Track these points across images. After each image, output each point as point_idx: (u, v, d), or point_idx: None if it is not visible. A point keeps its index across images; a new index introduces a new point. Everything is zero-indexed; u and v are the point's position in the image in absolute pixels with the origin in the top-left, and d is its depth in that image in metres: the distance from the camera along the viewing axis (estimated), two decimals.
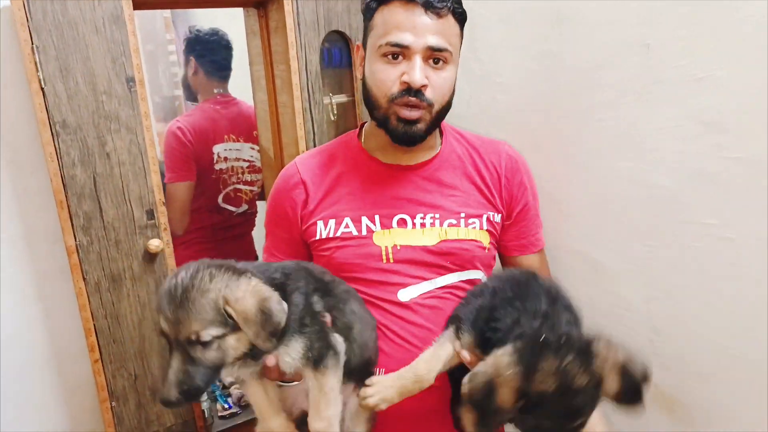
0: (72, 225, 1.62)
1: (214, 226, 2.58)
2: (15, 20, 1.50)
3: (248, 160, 2.63)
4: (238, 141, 2.59)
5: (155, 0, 1.76)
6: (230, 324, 0.91)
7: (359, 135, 1.38)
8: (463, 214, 1.28)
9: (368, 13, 1.24)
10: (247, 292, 0.93)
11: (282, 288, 1.00)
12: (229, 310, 0.91)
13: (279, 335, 0.95)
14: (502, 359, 0.87)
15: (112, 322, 1.71)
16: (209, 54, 2.62)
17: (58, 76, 1.57)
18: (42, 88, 1.55)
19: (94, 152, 1.63)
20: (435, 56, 1.19)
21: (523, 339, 0.90)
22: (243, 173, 2.62)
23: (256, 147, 2.61)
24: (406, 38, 1.16)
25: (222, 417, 2.04)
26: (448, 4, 1.18)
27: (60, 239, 1.65)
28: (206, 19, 3.51)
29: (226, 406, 2.07)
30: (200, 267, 0.94)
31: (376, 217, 1.25)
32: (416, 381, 1.06)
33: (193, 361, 0.90)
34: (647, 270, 1.33)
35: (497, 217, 1.34)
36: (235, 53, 2.69)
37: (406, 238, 1.24)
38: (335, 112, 2.05)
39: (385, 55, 1.19)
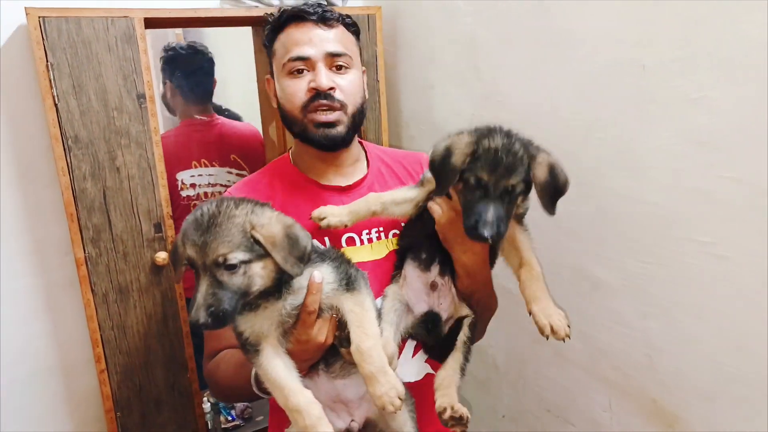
0: (81, 237, 1.66)
1: None
2: (31, 38, 1.56)
3: (225, 186, 2.45)
4: (212, 166, 2.45)
5: (166, 19, 1.80)
6: (256, 250, 0.92)
7: (290, 160, 1.40)
8: (403, 222, 1.30)
9: (269, 44, 1.33)
10: (272, 219, 0.95)
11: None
12: (256, 235, 0.92)
13: (305, 260, 0.96)
14: (460, 135, 1.07)
15: (119, 333, 1.74)
16: (187, 75, 2.47)
17: (71, 92, 1.62)
18: (55, 104, 1.60)
19: (105, 166, 1.68)
20: (336, 62, 1.26)
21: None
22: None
23: (234, 171, 2.49)
24: (305, 50, 1.24)
25: (225, 429, 2.06)
26: (336, 16, 1.29)
27: (70, 251, 1.69)
28: (215, 33, 3.58)
29: (230, 418, 2.08)
30: (224, 198, 0.97)
31: (326, 239, 1.27)
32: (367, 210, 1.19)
33: (220, 285, 0.90)
34: (644, 287, 1.34)
35: None
36: (240, 68, 2.57)
37: (357, 256, 1.25)
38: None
39: (290, 72, 1.26)
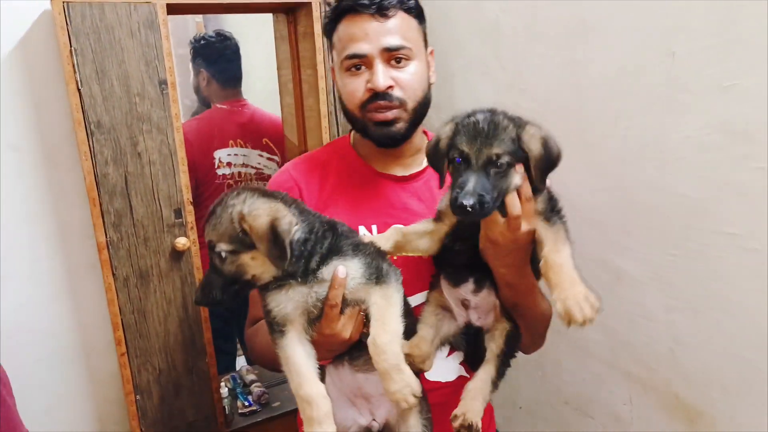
0: (103, 222, 1.68)
1: None
2: (55, 24, 1.57)
3: (256, 167, 2.58)
4: (245, 146, 2.57)
5: (188, 5, 1.81)
6: (244, 241, 0.94)
7: (351, 142, 1.39)
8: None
9: (328, 35, 1.29)
10: (262, 210, 0.95)
11: (330, 224, 1.04)
12: (244, 225, 0.93)
13: (286, 257, 0.94)
14: (446, 123, 1.05)
15: (139, 318, 1.76)
16: (220, 61, 2.59)
17: (95, 78, 1.62)
18: (79, 90, 1.61)
19: (126, 152, 1.69)
20: (395, 56, 1.21)
21: None
22: (251, 180, 2.59)
23: (265, 155, 2.59)
24: (361, 48, 1.20)
25: (242, 414, 2.07)
26: (394, 2, 1.20)
27: (91, 235, 1.71)
28: (236, 23, 3.58)
29: (246, 403, 2.09)
30: (241, 189, 0.99)
31: (373, 227, 1.25)
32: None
33: (215, 269, 0.96)
34: (670, 279, 1.32)
35: None
36: (262, 58, 2.68)
37: None
38: None
39: (348, 69, 1.23)
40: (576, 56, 1.48)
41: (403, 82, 1.22)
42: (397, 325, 0.99)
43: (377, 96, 1.20)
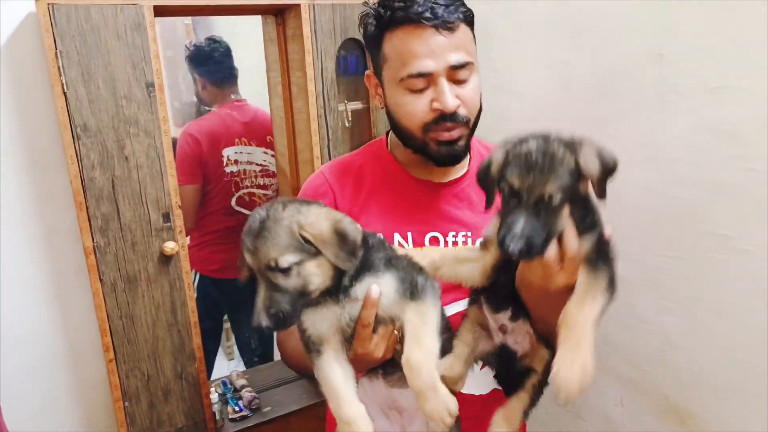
0: (90, 226, 1.65)
1: (230, 229, 2.62)
2: (40, 26, 1.54)
3: (261, 164, 2.66)
4: (250, 144, 2.63)
5: (176, 7, 1.79)
6: (308, 249, 0.91)
7: (387, 145, 1.32)
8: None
9: (374, 42, 1.18)
10: (319, 216, 0.93)
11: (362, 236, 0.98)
12: (305, 234, 0.90)
13: (357, 255, 0.93)
14: (501, 145, 0.97)
15: (127, 323, 1.74)
16: (213, 65, 2.67)
17: (80, 80, 1.60)
18: (64, 92, 1.59)
19: (113, 155, 1.67)
20: (459, 74, 1.12)
21: None
22: (256, 177, 2.65)
23: (270, 152, 2.64)
24: (427, 65, 1.09)
25: (232, 420, 2.05)
26: (458, 15, 1.11)
27: (78, 240, 1.69)
28: (225, 26, 3.56)
29: (237, 408, 2.07)
30: (274, 202, 0.96)
31: (409, 234, 1.20)
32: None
33: (277, 288, 0.90)
34: (661, 281, 1.32)
35: None
36: (251, 60, 2.72)
37: None
38: (350, 119, 2.07)
39: (409, 88, 1.13)
40: (565, 58, 1.48)
41: (467, 99, 1.14)
42: (433, 343, 0.94)
43: (443, 117, 1.12)
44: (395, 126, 1.22)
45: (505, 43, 1.67)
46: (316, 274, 0.92)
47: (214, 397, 2.04)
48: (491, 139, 1.56)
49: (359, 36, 2.00)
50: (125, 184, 1.69)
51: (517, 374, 1.08)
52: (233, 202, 2.61)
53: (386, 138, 1.32)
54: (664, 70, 1.23)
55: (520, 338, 1.08)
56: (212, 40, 2.72)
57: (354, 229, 0.94)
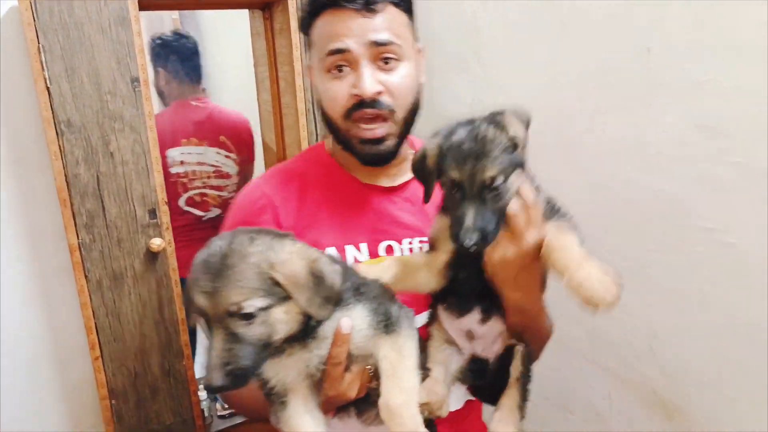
0: (75, 223, 1.64)
1: (179, 229, 2.39)
2: (22, 20, 1.52)
3: (214, 165, 2.52)
4: (201, 145, 2.51)
5: (161, 1, 1.77)
6: (276, 293, 0.79)
7: (327, 150, 1.23)
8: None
9: (305, 30, 1.13)
10: (293, 254, 0.81)
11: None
12: (276, 274, 0.78)
13: (333, 301, 0.83)
14: (433, 136, 0.95)
15: (113, 321, 1.72)
16: (178, 60, 2.58)
17: (64, 75, 1.58)
18: (47, 88, 1.56)
19: (98, 151, 1.65)
20: (383, 54, 1.04)
21: None
22: (209, 177, 2.52)
23: (223, 152, 2.53)
24: (344, 43, 1.03)
25: (221, 416, 2.05)
26: None
27: (63, 237, 1.67)
28: (212, 20, 3.53)
29: (226, 405, 2.07)
30: (238, 232, 0.83)
31: (362, 246, 1.11)
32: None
33: (237, 338, 0.77)
34: (648, 274, 1.32)
35: None
36: (237, 55, 2.67)
37: None
38: None
39: (329, 69, 1.06)
40: (553, 53, 1.48)
41: (393, 87, 1.06)
42: (413, 380, 0.85)
43: (364, 103, 1.05)
44: (325, 119, 1.14)
45: (494, 38, 1.66)
46: (283, 322, 0.80)
47: (203, 394, 2.03)
48: None
49: None
50: (110, 181, 1.67)
51: (494, 379, 1.05)
52: (182, 202, 2.50)
53: (324, 144, 1.24)
54: (651, 65, 1.23)
55: (489, 343, 1.04)
56: (180, 35, 2.63)
57: (332, 271, 0.83)
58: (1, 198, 1.71)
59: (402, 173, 1.19)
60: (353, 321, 0.86)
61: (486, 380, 1.07)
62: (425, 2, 1.91)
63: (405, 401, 0.82)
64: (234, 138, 2.56)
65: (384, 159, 1.12)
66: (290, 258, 0.80)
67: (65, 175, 1.61)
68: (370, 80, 1.04)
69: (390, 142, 1.09)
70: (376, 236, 1.12)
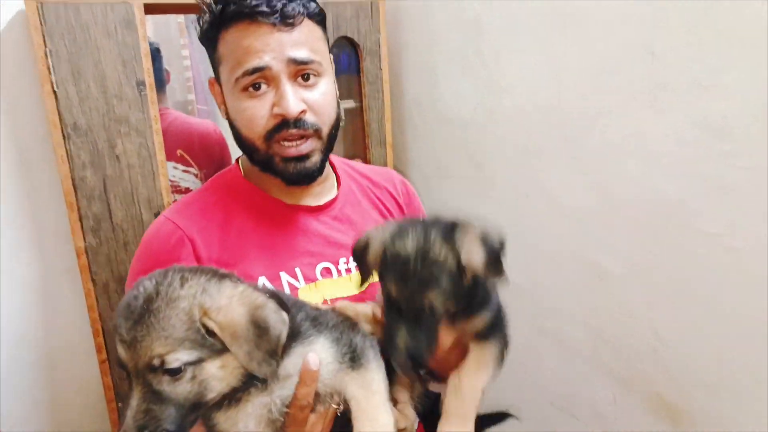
0: (81, 227, 1.65)
1: None
2: (29, 24, 1.53)
3: (170, 180, 2.26)
4: None
5: (166, 5, 1.78)
6: (209, 345, 0.68)
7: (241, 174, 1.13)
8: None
9: (209, 42, 1.03)
10: (233, 299, 0.71)
11: (276, 298, 0.77)
12: (210, 323, 0.68)
13: (278, 357, 0.73)
14: (381, 228, 0.88)
15: None
16: None
17: (70, 79, 1.59)
18: (54, 91, 1.58)
19: (104, 155, 1.66)
20: (302, 71, 0.99)
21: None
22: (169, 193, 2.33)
23: (180, 167, 2.32)
24: (262, 60, 0.95)
25: None
26: (300, 9, 0.98)
27: (69, 240, 1.68)
28: None
29: None
30: (169, 271, 0.72)
31: (297, 270, 1.02)
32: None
33: (159, 397, 0.66)
34: (651, 277, 1.32)
35: None
36: None
37: (335, 289, 1.04)
38: (343, 118, 2.06)
39: (245, 88, 0.98)
40: (556, 53, 1.48)
41: (316, 104, 1.00)
42: (386, 416, 0.78)
43: (286, 123, 0.97)
44: (238, 138, 1.05)
45: (497, 38, 1.66)
46: (217, 378, 0.69)
47: None
48: (483, 135, 1.56)
49: (352, 34, 2.00)
50: (117, 184, 1.68)
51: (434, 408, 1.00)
52: None
53: (238, 168, 1.13)
54: (654, 66, 1.23)
55: (434, 385, 1.01)
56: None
57: (278, 320, 0.73)
58: (8, 201, 1.73)
59: (326, 192, 1.14)
60: (320, 351, 0.78)
61: (435, 410, 1.01)
62: (428, 4, 1.92)
63: None
64: (194, 151, 2.36)
65: (310, 176, 1.05)
66: (229, 304, 0.70)
67: (72, 179, 1.62)
68: (294, 100, 0.97)
69: (315, 158, 1.03)
70: (310, 259, 1.05)
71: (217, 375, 0.69)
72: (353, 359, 0.80)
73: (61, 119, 1.59)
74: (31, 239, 1.77)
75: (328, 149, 1.06)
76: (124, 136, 1.68)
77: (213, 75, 1.08)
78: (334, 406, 0.81)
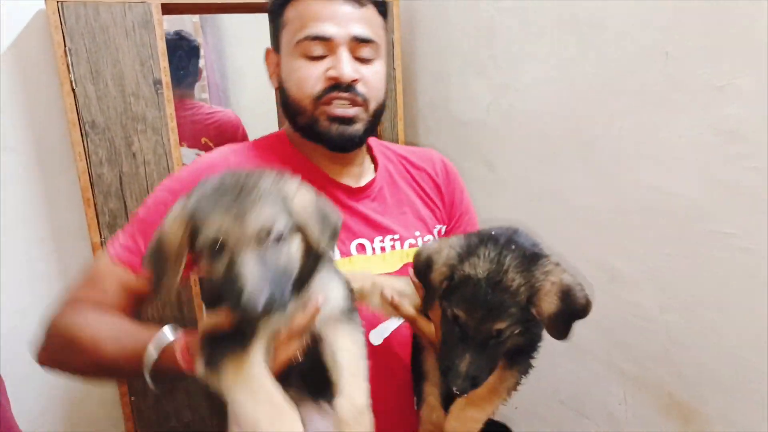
0: (98, 223, 1.67)
1: None
2: (49, 23, 1.56)
3: None
4: (181, 146, 2.36)
5: (184, 5, 1.80)
6: (291, 223, 0.75)
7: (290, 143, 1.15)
8: (418, 233, 1.14)
9: (277, 9, 1.07)
10: (302, 188, 0.79)
11: None
12: (291, 204, 0.75)
13: (336, 238, 0.81)
14: (444, 243, 0.85)
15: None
16: (172, 60, 2.44)
17: (89, 77, 1.62)
18: (73, 89, 1.60)
19: (121, 152, 1.68)
20: (362, 50, 1.03)
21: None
22: None
23: (204, 153, 2.45)
24: (328, 29, 0.99)
25: None
26: None
27: (85, 237, 1.70)
28: (232, 24, 3.58)
29: None
30: (231, 170, 0.78)
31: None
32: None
33: (266, 262, 0.70)
34: (665, 279, 1.32)
35: (443, 230, 1.22)
36: (257, 59, 2.66)
37: (367, 266, 1.06)
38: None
39: (305, 53, 1.02)
40: (570, 56, 1.48)
41: (369, 79, 1.04)
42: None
43: (338, 86, 1.01)
44: (286, 102, 1.08)
45: (510, 41, 1.67)
46: (296, 259, 0.76)
47: None
48: (498, 137, 1.56)
49: None
50: (133, 181, 1.71)
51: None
52: None
53: (285, 134, 1.16)
54: (668, 69, 1.23)
55: None
56: (179, 36, 2.55)
57: (334, 210, 0.83)
58: (26, 197, 1.75)
59: (364, 173, 1.17)
60: (332, 292, 0.83)
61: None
62: (443, 5, 1.92)
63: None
64: (218, 139, 2.49)
65: (351, 141, 1.06)
66: (300, 190, 0.78)
67: (89, 175, 1.65)
68: (350, 65, 1.01)
69: (359, 126, 1.05)
70: (347, 234, 1.07)
71: (296, 255, 0.76)
72: (351, 310, 0.85)
73: (79, 117, 1.62)
74: (49, 235, 1.80)
75: (371, 126, 1.09)
76: (140, 133, 1.70)
77: (269, 47, 1.13)
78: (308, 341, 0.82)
